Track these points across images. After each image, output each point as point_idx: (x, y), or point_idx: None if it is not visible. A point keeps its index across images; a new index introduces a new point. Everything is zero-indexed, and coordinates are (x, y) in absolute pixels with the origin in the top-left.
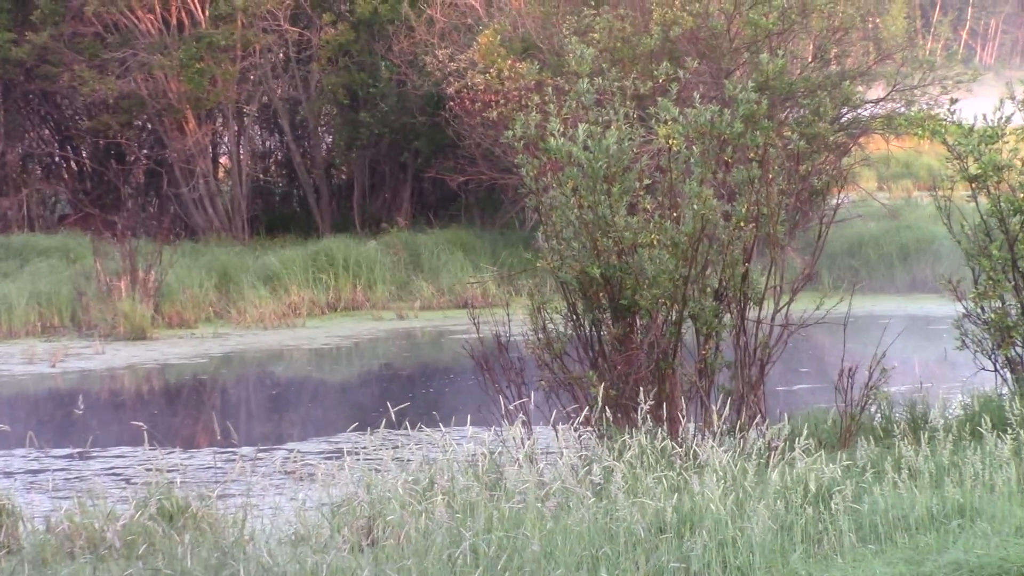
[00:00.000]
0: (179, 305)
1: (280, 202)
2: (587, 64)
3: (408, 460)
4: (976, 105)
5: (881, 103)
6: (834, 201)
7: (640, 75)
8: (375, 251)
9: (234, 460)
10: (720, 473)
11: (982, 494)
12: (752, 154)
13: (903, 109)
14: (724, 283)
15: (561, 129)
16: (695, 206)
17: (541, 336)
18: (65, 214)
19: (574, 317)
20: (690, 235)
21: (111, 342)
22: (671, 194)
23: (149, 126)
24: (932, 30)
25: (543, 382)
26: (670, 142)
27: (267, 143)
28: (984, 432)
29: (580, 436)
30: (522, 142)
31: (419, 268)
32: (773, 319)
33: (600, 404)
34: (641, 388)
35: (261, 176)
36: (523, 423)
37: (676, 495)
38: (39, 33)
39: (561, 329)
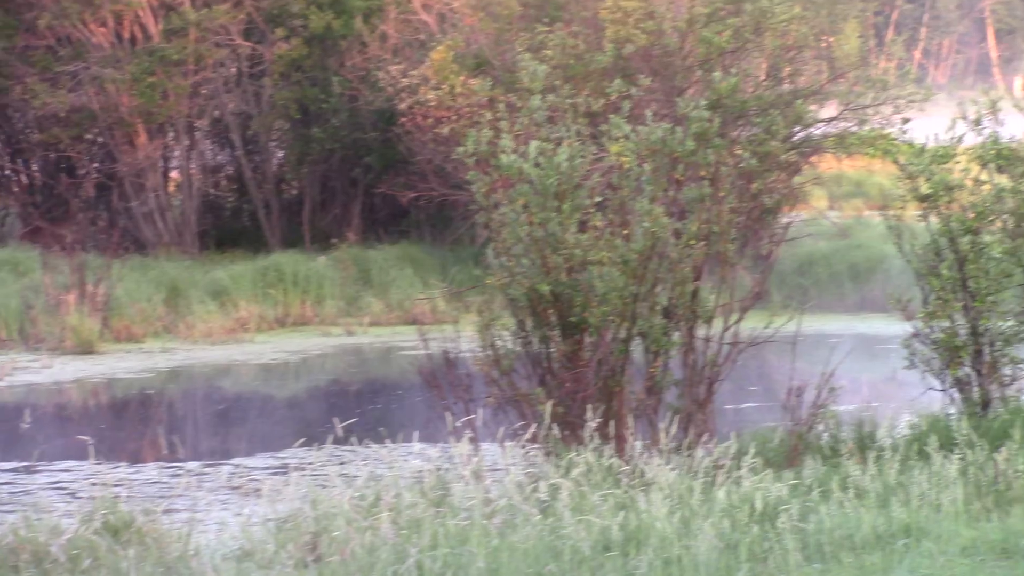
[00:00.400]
0: (127, 319)
1: (230, 217)
2: (540, 81)
3: (354, 476)
4: (929, 125)
5: (833, 122)
6: (785, 220)
7: (592, 92)
8: (324, 266)
9: (180, 475)
10: (667, 491)
11: (928, 514)
12: (704, 172)
13: (855, 128)
14: (674, 301)
15: (513, 146)
16: (645, 224)
17: (489, 353)
18: (24, 230)
19: (523, 334)
20: (640, 253)
21: (59, 356)
22: (622, 211)
23: (100, 140)
24: (885, 49)
25: (491, 399)
26: (621, 159)
27: (218, 157)
28: (931, 452)
29: (527, 453)
30: (473, 158)
31: (368, 284)
32: (722, 337)
33: (547, 421)
34: (589, 406)
35: (211, 191)
36: (470, 440)
37: (622, 513)
38: None
39: (510, 346)
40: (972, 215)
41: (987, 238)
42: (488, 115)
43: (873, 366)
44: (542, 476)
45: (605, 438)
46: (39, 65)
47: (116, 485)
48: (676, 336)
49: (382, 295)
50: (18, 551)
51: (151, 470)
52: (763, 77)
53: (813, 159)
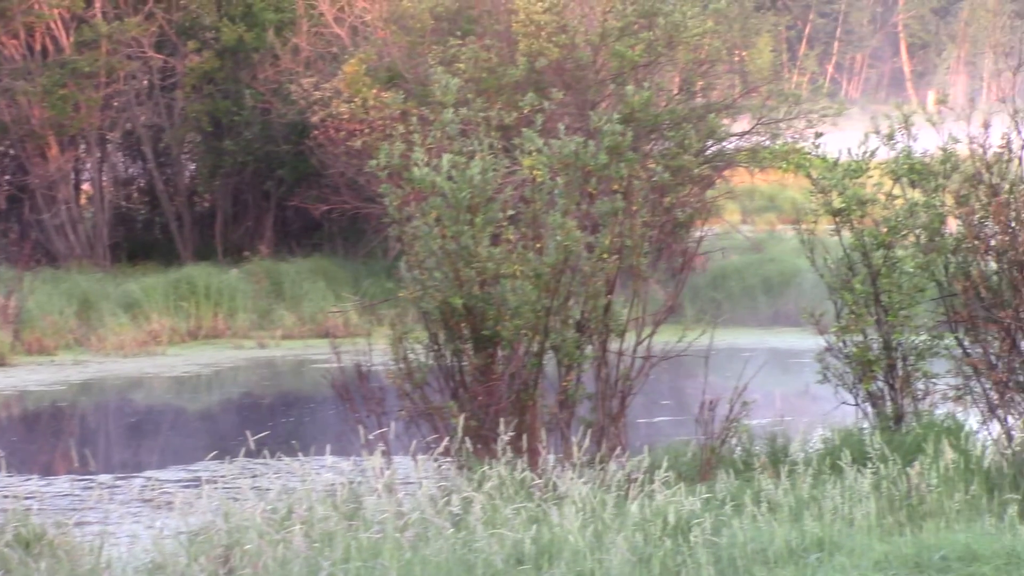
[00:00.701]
0: (39, 332)
1: (142, 229)
2: (452, 94)
3: (267, 489)
4: (841, 139)
5: (746, 136)
6: (698, 234)
7: (505, 106)
8: (237, 279)
9: (92, 488)
10: (579, 505)
11: (841, 528)
12: (616, 186)
13: (768, 142)
14: (586, 314)
15: (425, 159)
16: (558, 237)
17: (402, 366)
18: None
19: (435, 347)
20: (553, 266)
21: None
22: (534, 225)
23: (11, 152)
24: (798, 64)
25: (403, 412)
26: (534, 173)
27: (130, 170)
28: (844, 466)
29: (440, 466)
30: (386, 171)
31: (281, 297)
32: (635, 351)
33: (460, 435)
34: (501, 419)
35: (123, 203)
36: (383, 453)
37: (535, 526)
38: None
39: (422, 359)
40: (885, 229)
41: (900, 252)
42: (401, 128)
43: (786, 380)
44: (455, 489)
45: (518, 451)
46: None
47: (27, 498)
48: (589, 350)
49: (295, 308)
50: None
51: (63, 483)
52: (676, 91)
53: (726, 173)
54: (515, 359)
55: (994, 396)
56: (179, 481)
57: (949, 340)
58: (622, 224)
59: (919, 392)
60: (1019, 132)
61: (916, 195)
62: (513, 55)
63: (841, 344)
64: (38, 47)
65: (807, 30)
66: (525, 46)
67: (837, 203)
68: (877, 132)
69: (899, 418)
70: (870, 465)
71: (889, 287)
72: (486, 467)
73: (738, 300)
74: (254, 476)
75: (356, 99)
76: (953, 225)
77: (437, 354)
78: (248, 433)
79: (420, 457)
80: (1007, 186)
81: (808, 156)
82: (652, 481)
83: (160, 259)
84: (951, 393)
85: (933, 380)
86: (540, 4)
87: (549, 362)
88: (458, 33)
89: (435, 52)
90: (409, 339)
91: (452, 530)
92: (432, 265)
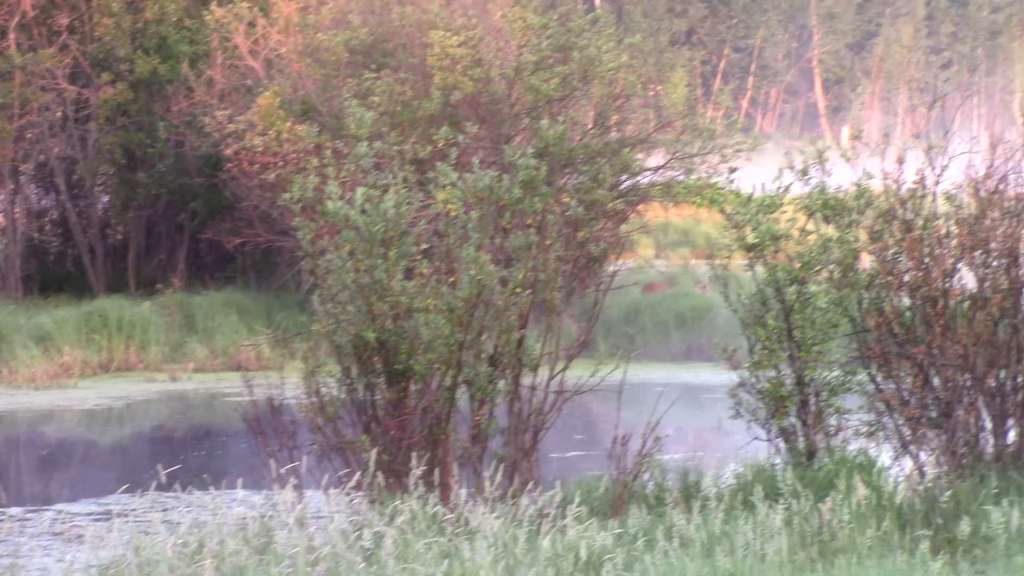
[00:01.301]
0: None
1: (55, 261)
2: (367, 127)
3: (178, 523)
4: (757, 174)
5: (660, 171)
6: (611, 268)
7: (420, 139)
8: (149, 312)
9: (2, 520)
10: (491, 539)
11: (753, 564)
12: (530, 220)
13: (682, 177)
14: (499, 349)
15: (339, 192)
16: (472, 271)
17: (314, 400)
18: None
19: (348, 381)
20: (466, 300)
21: None
22: (448, 259)
23: None
24: (713, 98)
25: (315, 446)
26: (448, 207)
27: (43, 202)
28: (756, 502)
29: (352, 501)
30: (299, 205)
31: (193, 330)
32: (548, 385)
33: (372, 469)
34: (414, 453)
35: (36, 235)
36: (294, 487)
37: (447, 561)
38: None
39: (335, 393)
40: (799, 265)
41: (813, 288)
42: (315, 161)
43: (699, 415)
44: (366, 524)
45: (430, 486)
46: None
47: None
48: (502, 384)
49: (207, 341)
50: None
51: None
52: (591, 125)
53: (640, 207)
54: (428, 393)
55: (906, 432)
56: (90, 514)
57: (862, 376)
58: (536, 258)
59: (832, 428)
60: (933, 168)
61: (830, 231)
62: (428, 88)
63: (754, 379)
64: None
65: (722, 65)
66: (440, 80)
67: (751, 238)
68: (791, 167)
69: (811, 454)
70: (782, 501)
71: (802, 323)
72: (398, 501)
73: (651, 335)
74: (165, 510)
75: (270, 132)
76: (867, 261)
77: (350, 388)
78: (159, 466)
79: (332, 491)
80: (921, 222)
81: (722, 191)
82: (564, 516)
83: (73, 291)
84: (864, 429)
85: (846, 416)
86: (455, 38)
87: (462, 396)
88: (373, 66)
89: (350, 85)
90: (322, 373)
91: (363, 565)
92: (345, 299)
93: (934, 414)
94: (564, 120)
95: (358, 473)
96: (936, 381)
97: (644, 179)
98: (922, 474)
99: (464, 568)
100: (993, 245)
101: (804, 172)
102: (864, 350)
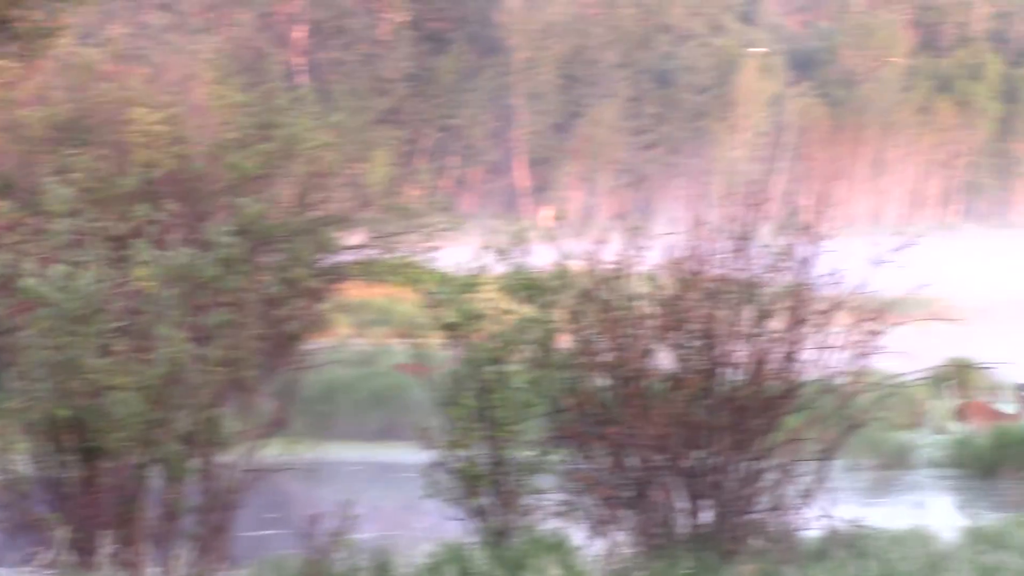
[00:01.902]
0: None
1: None
2: (65, 204)
3: None
4: (459, 253)
5: (360, 249)
6: (309, 346)
7: (118, 216)
8: None
9: None
10: None
11: None
12: (228, 298)
13: (383, 255)
14: (194, 427)
15: (35, 269)
16: (167, 349)
17: (4, 476)
18: None
19: (40, 458)
20: (160, 378)
21: None
22: (144, 336)
23: None
24: (415, 178)
25: (5, 523)
26: (145, 284)
27: None
28: None
29: None
30: None
31: None
32: (241, 464)
33: (61, 547)
34: (105, 531)
35: None
36: None
37: None
38: None
39: (26, 471)
40: (497, 344)
41: (511, 368)
42: (13, 237)
43: (393, 494)
44: None
45: (120, 564)
46: None
47: None
48: (194, 462)
49: None
50: None
51: None
52: (292, 203)
53: (340, 286)
54: (120, 471)
55: (601, 512)
56: None
57: (558, 455)
58: (232, 336)
59: (526, 507)
60: (632, 248)
61: (529, 310)
62: (127, 165)
63: (450, 459)
64: None
65: (426, 144)
66: (140, 156)
67: (449, 318)
68: (491, 247)
69: (504, 533)
70: None
71: (499, 402)
72: None
73: (348, 413)
74: None
75: None
76: (566, 341)
77: (42, 465)
78: None
79: (22, 569)
80: (619, 302)
81: (421, 270)
82: None
83: None
84: (558, 509)
85: (541, 496)
86: (156, 115)
87: (156, 474)
88: (73, 142)
89: (49, 161)
90: (13, 450)
91: None
92: (39, 376)
93: (628, 494)
94: (265, 198)
95: (49, 551)
96: (632, 461)
97: (344, 257)
98: (616, 553)
99: None
100: (691, 326)
101: (503, 252)
102: (560, 430)
